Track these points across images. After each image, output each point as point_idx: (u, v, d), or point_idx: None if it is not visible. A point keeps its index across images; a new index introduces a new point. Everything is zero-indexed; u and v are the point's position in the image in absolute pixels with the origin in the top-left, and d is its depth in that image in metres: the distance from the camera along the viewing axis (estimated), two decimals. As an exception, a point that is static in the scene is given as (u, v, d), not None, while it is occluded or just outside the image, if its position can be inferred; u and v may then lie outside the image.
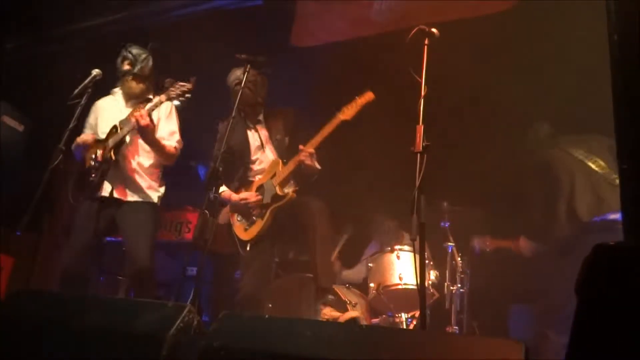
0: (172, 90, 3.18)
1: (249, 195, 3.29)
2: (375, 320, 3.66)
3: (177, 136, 3.44)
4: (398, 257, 3.58)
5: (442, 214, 3.92)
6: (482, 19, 3.77)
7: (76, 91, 3.20)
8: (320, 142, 3.13)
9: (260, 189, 3.32)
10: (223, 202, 3.33)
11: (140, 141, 3.31)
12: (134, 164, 3.34)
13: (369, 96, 3.13)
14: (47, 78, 4.78)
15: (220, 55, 3.99)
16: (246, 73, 3.02)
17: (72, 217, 3.44)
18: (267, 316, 1.64)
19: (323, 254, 3.14)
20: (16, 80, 4.69)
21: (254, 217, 3.27)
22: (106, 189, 3.27)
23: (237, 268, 4.62)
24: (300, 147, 3.16)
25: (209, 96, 4.15)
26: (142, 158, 3.38)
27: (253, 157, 3.42)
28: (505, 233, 3.81)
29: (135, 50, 3.50)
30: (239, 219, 3.33)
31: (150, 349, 1.56)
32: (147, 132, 3.18)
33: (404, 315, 3.55)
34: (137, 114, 3.14)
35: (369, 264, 3.72)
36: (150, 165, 3.39)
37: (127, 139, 3.31)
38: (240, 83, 3.09)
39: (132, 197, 3.28)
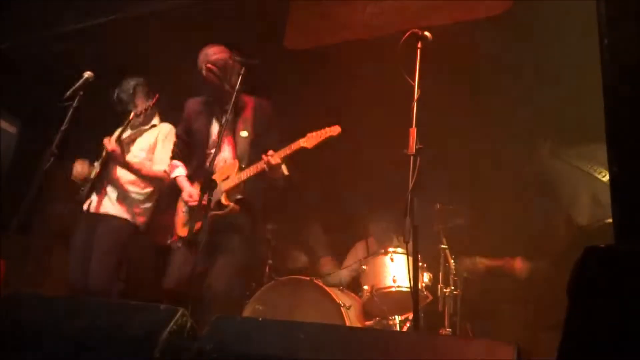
0: (137, 107, 3.50)
1: (194, 193, 3.11)
2: (368, 323, 3.66)
3: (169, 161, 3.50)
4: (392, 260, 3.58)
5: (435, 216, 3.92)
6: (476, 22, 3.80)
7: (68, 93, 3.19)
8: (282, 157, 2.98)
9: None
10: (176, 186, 3.25)
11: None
12: (115, 182, 3.56)
13: (334, 131, 2.97)
14: (38, 80, 4.76)
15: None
16: (240, 75, 2.99)
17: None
18: (260, 319, 1.64)
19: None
20: (8, 82, 4.67)
21: (194, 217, 3.08)
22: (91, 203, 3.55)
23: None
24: (270, 151, 2.98)
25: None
26: (123, 179, 3.57)
27: (209, 150, 3.21)
28: (501, 249, 3.80)
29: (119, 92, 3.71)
30: (184, 210, 3.21)
31: (143, 351, 1.55)
32: (114, 157, 3.38)
33: (397, 318, 3.54)
34: (105, 139, 3.38)
35: (363, 266, 3.72)
36: (132, 184, 3.55)
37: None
38: (204, 63, 3.11)
39: (105, 211, 3.51)
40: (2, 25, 4.75)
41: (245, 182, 3.08)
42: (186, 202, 3.16)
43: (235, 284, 3.09)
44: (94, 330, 1.73)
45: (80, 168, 3.61)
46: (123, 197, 3.54)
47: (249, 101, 3.23)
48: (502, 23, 3.69)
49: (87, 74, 3.28)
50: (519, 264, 3.56)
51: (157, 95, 3.50)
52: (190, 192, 3.16)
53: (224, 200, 3.06)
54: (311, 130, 2.99)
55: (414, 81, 2.36)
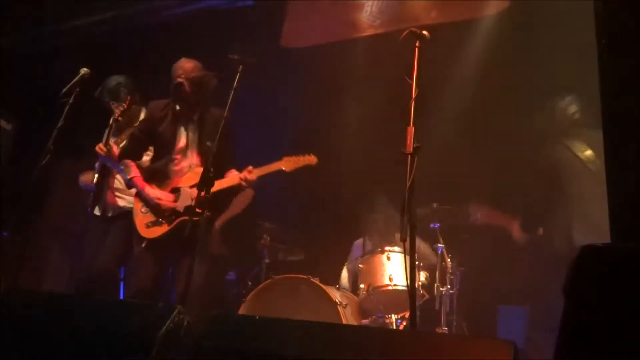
0: (115, 113, 3.47)
1: (165, 198, 3.15)
2: (365, 321, 3.67)
3: None
4: (388, 258, 3.59)
5: (432, 215, 3.92)
6: (474, 21, 3.81)
7: (64, 90, 3.19)
8: (259, 175, 3.13)
9: (175, 192, 3.19)
10: (131, 186, 3.24)
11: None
12: (115, 184, 3.63)
13: (311, 160, 3.21)
14: (35, 77, 4.75)
15: (210, 55, 3.99)
16: (238, 74, 2.98)
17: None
18: (257, 317, 1.64)
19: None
20: (4, 79, 4.65)
21: (160, 219, 3.14)
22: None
23: (227, 269, 4.63)
24: (250, 167, 3.11)
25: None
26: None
27: (173, 156, 3.25)
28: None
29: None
30: (143, 210, 3.18)
31: (140, 349, 1.55)
32: (106, 159, 3.41)
33: (394, 316, 3.55)
34: (97, 146, 3.39)
35: (359, 265, 3.72)
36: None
37: None
38: (181, 77, 3.15)
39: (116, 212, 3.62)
40: (-2, 22, 4.73)
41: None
42: (155, 203, 3.15)
43: (201, 288, 3.09)
44: (91, 327, 1.73)
45: (85, 177, 3.68)
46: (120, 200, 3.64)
47: (214, 113, 3.25)
48: (497, 18, 3.71)
49: (84, 71, 3.28)
50: (517, 229, 3.44)
51: (128, 98, 3.49)
52: (157, 196, 3.17)
53: (196, 207, 2.95)
54: (288, 155, 3.19)
55: (411, 80, 2.35)
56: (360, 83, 4.16)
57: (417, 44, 2.46)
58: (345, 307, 3.38)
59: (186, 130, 3.27)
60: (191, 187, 3.13)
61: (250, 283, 4.03)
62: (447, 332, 3.53)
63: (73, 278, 3.67)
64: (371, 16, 4.27)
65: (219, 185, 3.04)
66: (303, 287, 3.51)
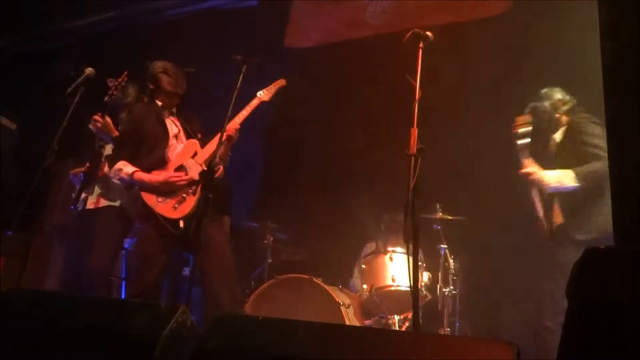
0: (110, 89, 3.50)
1: (177, 175, 3.14)
2: (367, 322, 3.67)
3: None
4: (391, 259, 3.60)
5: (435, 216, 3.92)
6: (477, 22, 3.80)
7: (69, 90, 3.19)
8: (242, 120, 3.22)
9: (180, 169, 3.18)
10: (133, 183, 3.19)
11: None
12: (103, 179, 3.56)
13: (280, 83, 3.41)
14: (39, 76, 4.76)
15: (214, 55, 4.00)
16: (242, 74, 3.00)
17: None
18: (260, 317, 1.64)
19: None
20: (9, 79, 4.66)
21: (184, 195, 3.11)
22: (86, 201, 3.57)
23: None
24: (235, 120, 3.19)
25: (203, 95, 4.14)
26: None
27: (169, 142, 3.31)
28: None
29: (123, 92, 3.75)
30: (160, 200, 3.14)
31: (143, 349, 1.55)
32: (102, 132, 3.40)
33: (396, 317, 3.56)
34: (93, 118, 3.40)
35: (362, 266, 3.73)
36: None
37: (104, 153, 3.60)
38: (160, 71, 3.32)
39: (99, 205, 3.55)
40: (2, 22, 4.74)
41: (214, 152, 3.11)
42: (165, 182, 3.12)
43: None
44: (93, 328, 1.73)
45: (76, 171, 3.67)
46: (114, 187, 3.52)
47: (189, 115, 3.50)
48: (500, 19, 3.70)
49: (88, 71, 3.28)
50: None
51: (125, 72, 3.55)
52: (167, 176, 3.14)
53: (206, 167, 3.05)
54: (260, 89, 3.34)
55: (415, 81, 2.35)
56: (364, 83, 4.16)
57: (420, 45, 2.46)
58: (348, 308, 3.39)
59: (172, 120, 3.40)
60: (192, 157, 3.22)
61: (253, 283, 4.03)
62: (449, 333, 3.53)
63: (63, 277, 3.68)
64: (375, 17, 4.27)
65: (210, 148, 3.15)
66: (306, 287, 3.52)
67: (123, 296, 4.21)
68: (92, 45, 4.77)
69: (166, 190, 3.13)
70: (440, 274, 3.74)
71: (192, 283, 2.83)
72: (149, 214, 3.09)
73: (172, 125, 3.38)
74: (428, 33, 2.48)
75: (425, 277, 3.64)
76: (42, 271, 4.73)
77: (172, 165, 3.22)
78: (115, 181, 3.26)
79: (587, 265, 1.18)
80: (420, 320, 2.24)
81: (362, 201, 4.34)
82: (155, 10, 4.66)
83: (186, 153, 3.25)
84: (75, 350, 1.70)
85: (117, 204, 3.51)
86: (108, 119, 3.41)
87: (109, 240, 3.41)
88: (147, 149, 3.28)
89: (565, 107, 3.34)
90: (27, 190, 3.00)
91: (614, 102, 1.41)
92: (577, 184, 3.03)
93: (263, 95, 3.36)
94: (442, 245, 3.81)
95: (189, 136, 3.36)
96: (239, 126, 3.19)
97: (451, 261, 3.75)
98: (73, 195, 3.53)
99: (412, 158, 2.22)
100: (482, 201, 3.91)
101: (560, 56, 3.61)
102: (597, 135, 3.09)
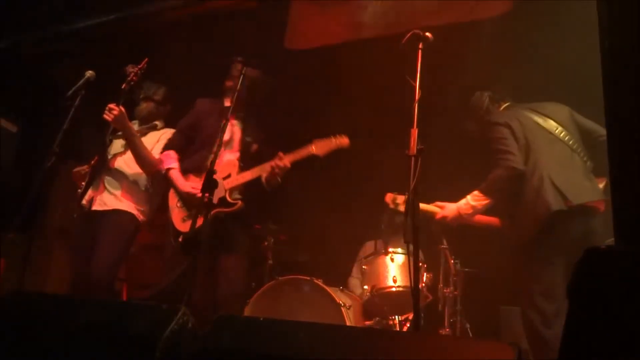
0: (129, 75, 3.36)
1: (197, 190, 3.05)
2: (368, 323, 3.67)
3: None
4: (392, 260, 3.60)
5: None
6: (477, 23, 3.80)
7: (69, 92, 3.19)
8: (291, 162, 3.06)
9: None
10: (167, 180, 3.21)
11: (123, 159, 3.45)
12: (114, 174, 3.46)
13: (343, 142, 3.08)
14: (40, 79, 4.77)
15: (213, 57, 4.00)
16: (242, 75, 3.00)
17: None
18: (261, 318, 1.64)
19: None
20: (9, 81, 4.67)
21: (196, 212, 3.06)
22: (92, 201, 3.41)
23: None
24: (280, 153, 3.06)
25: (203, 96, 4.13)
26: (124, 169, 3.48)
27: (214, 148, 3.20)
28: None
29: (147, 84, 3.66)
30: (178, 205, 3.16)
31: (144, 351, 1.55)
32: (117, 123, 3.26)
33: (397, 318, 3.56)
34: (109, 106, 3.26)
35: (363, 267, 3.73)
36: (134, 175, 3.47)
37: (110, 153, 3.48)
38: (235, 74, 3.16)
39: (110, 207, 3.38)
40: (3, 25, 4.75)
41: (244, 184, 3.10)
42: (187, 194, 3.12)
43: (243, 285, 3.15)
44: (95, 329, 1.74)
45: (79, 169, 3.56)
46: (127, 190, 3.43)
47: (256, 108, 3.35)
48: (499, 20, 3.70)
49: (89, 74, 3.28)
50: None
51: (146, 59, 3.44)
52: (189, 187, 3.14)
53: (228, 197, 3.07)
54: (318, 137, 3.07)
55: (415, 82, 2.36)
56: (364, 84, 4.16)
57: (420, 46, 2.47)
58: (349, 309, 3.39)
59: (232, 125, 3.26)
60: (224, 178, 3.12)
61: (254, 284, 4.03)
62: (450, 333, 3.53)
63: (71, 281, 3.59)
64: (374, 18, 4.27)
65: (250, 174, 3.08)
66: (307, 288, 3.52)
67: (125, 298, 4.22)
68: (92, 48, 4.77)
69: (185, 198, 3.13)
70: (441, 274, 3.74)
71: (193, 284, 2.83)
72: (165, 209, 3.13)
73: (227, 132, 3.18)
74: (428, 34, 2.49)
75: (426, 277, 3.64)
76: (42, 273, 4.73)
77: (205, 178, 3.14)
78: (155, 168, 3.33)
79: (588, 264, 1.18)
80: (421, 321, 2.24)
81: (362, 201, 4.34)
82: (155, 12, 4.66)
83: (222, 171, 3.14)
84: (77, 351, 1.70)
85: (124, 207, 3.41)
86: (123, 109, 3.29)
87: (117, 244, 3.30)
88: (195, 148, 3.27)
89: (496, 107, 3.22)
90: (28, 193, 3.00)
91: (614, 102, 1.42)
92: (489, 200, 2.93)
93: (316, 147, 3.06)
94: (443, 246, 3.81)
95: (243, 147, 3.23)
96: (288, 164, 3.04)
97: (452, 261, 3.75)
98: (79, 191, 3.42)
99: (413, 158, 2.22)
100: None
101: (564, 56, 3.61)
102: (505, 133, 2.94)
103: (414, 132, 2.25)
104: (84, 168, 3.47)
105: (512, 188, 2.89)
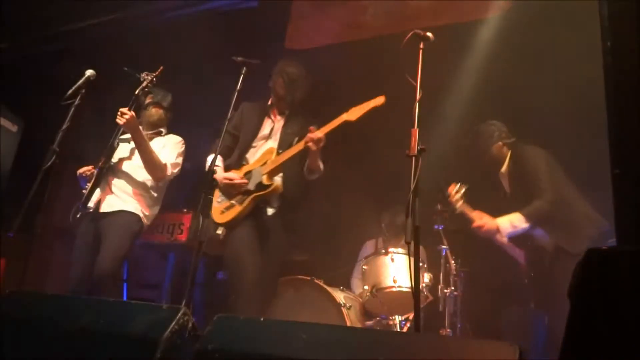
0: (144, 82, 3.39)
1: (234, 176, 3.12)
2: (369, 323, 3.67)
3: (172, 159, 3.52)
4: (392, 260, 3.59)
5: (436, 217, 3.92)
6: (477, 22, 3.80)
7: (70, 91, 3.19)
8: (325, 133, 2.97)
9: (247, 174, 3.16)
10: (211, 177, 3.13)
11: (128, 163, 3.46)
12: (122, 176, 3.45)
13: (379, 100, 2.93)
14: (40, 78, 4.76)
15: (214, 57, 4.00)
16: (242, 75, 3.00)
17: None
18: (262, 319, 1.64)
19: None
20: (9, 81, 4.67)
21: (233, 202, 3.09)
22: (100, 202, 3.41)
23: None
24: (311, 128, 2.99)
25: (204, 96, 4.14)
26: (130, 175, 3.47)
27: (254, 143, 3.28)
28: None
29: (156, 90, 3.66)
30: (219, 200, 3.17)
31: (145, 351, 1.55)
32: (129, 127, 3.29)
33: (398, 318, 3.55)
34: (120, 111, 3.25)
35: (363, 267, 3.72)
36: (137, 185, 3.46)
37: (115, 158, 3.48)
38: (278, 72, 3.24)
39: (112, 209, 3.38)
40: (3, 24, 4.75)
41: (285, 164, 3.09)
42: (225, 185, 3.12)
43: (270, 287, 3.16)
44: (95, 329, 1.73)
45: (83, 169, 3.54)
46: (134, 193, 3.43)
47: (300, 106, 3.36)
48: (500, 20, 3.70)
49: (89, 72, 3.28)
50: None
51: (161, 67, 3.45)
52: (226, 175, 3.15)
53: (265, 180, 3.05)
54: (354, 105, 2.99)
55: (416, 82, 2.35)
56: (365, 84, 4.16)
57: (421, 46, 2.46)
58: (349, 309, 3.38)
59: (274, 122, 3.31)
60: (261, 165, 3.13)
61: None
62: (451, 334, 3.53)
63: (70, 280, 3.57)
64: (375, 18, 4.27)
65: (287, 154, 3.07)
66: (307, 288, 3.52)
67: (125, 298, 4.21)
68: (93, 47, 4.77)
69: (223, 187, 3.13)
70: (441, 274, 3.73)
71: (193, 284, 2.82)
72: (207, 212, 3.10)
73: (268, 126, 3.29)
74: (429, 34, 2.48)
75: (426, 277, 3.63)
76: (43, 273, 4.73)
77: (245, 168, 3.19)
78: (163, 174, 3.42)
79: (589, 265, 1.18)
80: (422, 321, 2.24)
81: (362, 201, 4.34)
82: (155, 12, 4.66)
83: (259, 160, 3.18)
84: (77, 351, 1.70)
85: (130, 209, 3.40)
86: (133, 114, 3.30)
87: (123, 240, 3.29)
88: (238, 146, 3.29)
89: (507, 140, 3.50)
90: (28, 192, 3.00)
91: (615, 102, 1.41)
92: (528, 224, 3.17)
93: (350, 114, 2.96)
94: (444, 246, 3.80)
95: (282, 137, 3.21)
96: (322, 136, 2.95)
97: (452, 262, 3.75)
98: (84, 192, 3.42)
99: (413, 159, 2.22)
100: (483, 200, 3.91)
101: (565, 55, 3.60)
102: (538, 169, 3.25)
103: (415, 132, 2.25)
104: (89, 169, 3.47)
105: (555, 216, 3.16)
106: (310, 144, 2.95)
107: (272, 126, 3.29)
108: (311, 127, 3.02)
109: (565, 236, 3.15)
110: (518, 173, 3.36)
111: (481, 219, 3.29)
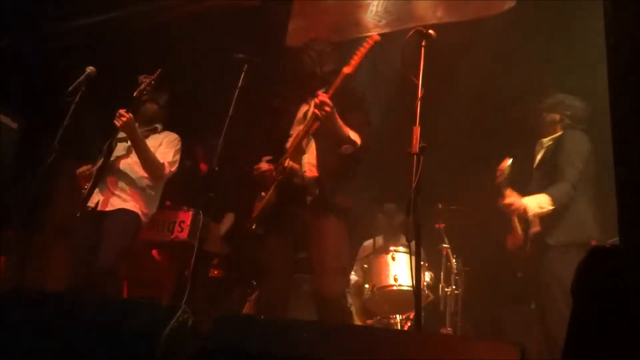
0: (142, 84, 3.35)
1: (261, 165, 2.94)
2: (369, 321, 3.66)
3: (169, 158, 3.51)
4: (393, 259, 3.59)
5: (436, 215, 3.92)
6: (479, 20, 3.79)
7: (70, 89, 3.19)
8: (330, 94, 2.70)
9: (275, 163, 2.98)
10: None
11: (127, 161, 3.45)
12: (121, 176, 3.44)
13: (371, 40, 2.77)
14: (41, 75, 4.76)
15: (215, 54, 3.99)
16: (243, 73, 2.98)
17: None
18: (262, 317, 1.63)
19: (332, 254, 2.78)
20: (10, 78, 4.66)
21: (263, 194, 2.91)
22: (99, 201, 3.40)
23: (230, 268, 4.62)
24: (317, 92, 2.78)
25: (204, 94, 4.13)
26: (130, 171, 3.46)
27: (291, 131, 3.01)
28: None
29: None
30: (263, 194, 2.99)
31: (144, 349, 1.55)
32: (127, 129, 3.27)
33: (398, 317, 3.55)
34: (119, 112, 3.25)
35: (364, 265, 3.72)
36: (140, 178, 3.45)
37: (113, 157, 3.46)
38: (304, 49, 3.03)
39: (111, 208, 3.37)
40: (3, 22, 4.74)
41: (317, 145, 2.87)
42: (255, 176, 2.99)
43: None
44: (95, 327, 1.73)
45: (83, 167, 3.54)
46: (133, 192, 3.43)
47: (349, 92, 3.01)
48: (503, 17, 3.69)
49: (89, 69, 3.27)
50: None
51: (159, 69, 3.41)
52: (257, 166, 3.00)
53: (285, 164, 2.83)
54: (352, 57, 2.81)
55: (417, 79, 2.34)
56: (366, 82, 4.15)
57: (423, 44, 2.45)
58: (350, 307, 3.38)
59: (308, 105, 2.97)
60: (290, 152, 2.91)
61: (254, 282, 4.03)
62: (451, 332, 3.53)
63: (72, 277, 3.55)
64: (377, 16, 4.26)
65: (303, 129, 2.84)
66: (306, 286, 3.51)
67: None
68: (93, 45, 4.76)
69: (261, 180, 2.97)
70: (442, 273, 3.73)
71: (193, 283, 2.81)
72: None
73: (303, 111, 3.01)
74: (431, 31, 2.47)
75: (427, 276, 3.63)
76: (43, 270, 4.73)
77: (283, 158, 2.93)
78: (161, 172, 3.39)
79: (592, 263, 1.17)
80: (423, 320, 2.23)
81: (363, 200, 4.32)
82: (156, 9, 4.66)
83: (290, 144, 2.93)
84: (77, 349, 1.69)
85: (130, 207, 3.39)
86: (131, 116, 3.27)
87: (123, 236, 3.30)
88: (273, 134, 3.13)
89: (567, 120, 3.33)
90: (29, 190, 3.00)
91: (620, 100, 1.40)
92: (554, 207, 3.07)
93: (348, 67, 2.75)
94: (445, 245, 3.80)
95: (312, 119, 2.82)
96: (324, 99, 2.66)
97: (453, 261, 3.74)
98: (83, 191, 3.42)
99: (415, 156, 2.20)
100: (483, 200, 3.90)
101: (567, 53, 3.59)
102: (575, 151, 3.15)
103: (417, 129, 2.24)
104: (88, 168, 3.48)
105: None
106: (315, 110, 2.70)
107: (307, 109, 3.00)
108: (317, 92, 2.79)
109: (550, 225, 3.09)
110: (558, 151, 3.21)
111: (511, 197, 3.16)
